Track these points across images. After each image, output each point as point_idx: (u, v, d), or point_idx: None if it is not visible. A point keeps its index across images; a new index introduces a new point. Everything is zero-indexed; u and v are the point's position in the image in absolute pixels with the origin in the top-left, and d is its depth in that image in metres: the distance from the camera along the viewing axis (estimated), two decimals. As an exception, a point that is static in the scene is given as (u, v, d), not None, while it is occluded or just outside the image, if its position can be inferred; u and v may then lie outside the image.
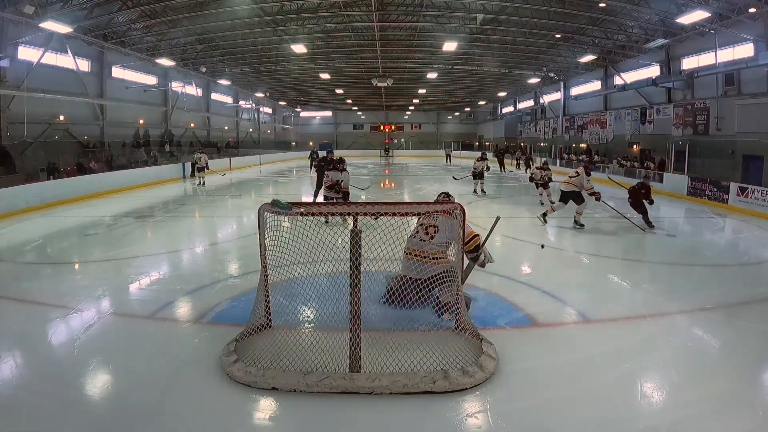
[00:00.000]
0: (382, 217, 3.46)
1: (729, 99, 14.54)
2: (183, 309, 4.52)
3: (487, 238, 4.29)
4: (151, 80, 21.11)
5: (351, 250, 3.17)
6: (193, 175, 18.26)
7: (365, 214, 3.39)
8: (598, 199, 8.20)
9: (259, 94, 31.50)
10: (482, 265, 4.36)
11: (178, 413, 2.80)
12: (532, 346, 3.68)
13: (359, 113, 43.75)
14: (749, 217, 10.28)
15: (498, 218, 4.51)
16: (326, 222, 7.44)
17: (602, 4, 13.99)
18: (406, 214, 3.71)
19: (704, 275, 5.97)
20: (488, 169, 13.61)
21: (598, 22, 15.97)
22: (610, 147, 21.68)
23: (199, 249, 7.43)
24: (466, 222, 3.87)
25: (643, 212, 8.50)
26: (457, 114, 44.47)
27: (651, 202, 8.63)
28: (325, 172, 8.94)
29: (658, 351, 3.62)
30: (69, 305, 4.51)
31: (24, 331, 3.96)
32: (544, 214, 8.73)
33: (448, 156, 32.16)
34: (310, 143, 39.69)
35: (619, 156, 19.90)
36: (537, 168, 12.25)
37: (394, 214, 3.51)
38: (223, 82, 25.60)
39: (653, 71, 18.08)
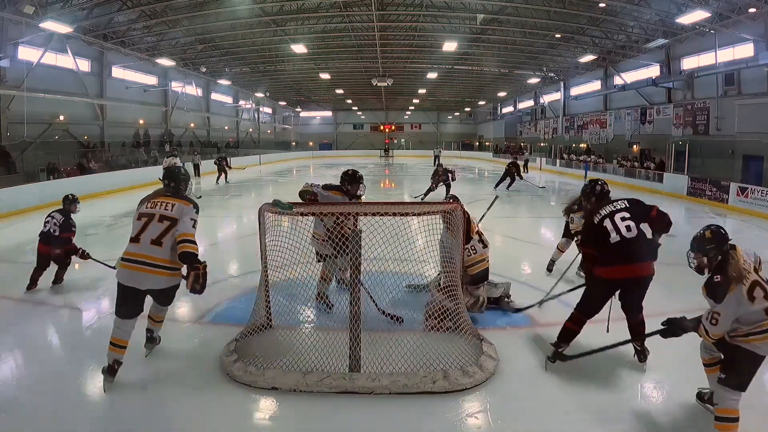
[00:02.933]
0: (381, 217, 3.44)
1: (729, 99, 14.54)
2: (183, 309, 4.52)
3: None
4: (151, 80, 21.10)
5: (351, 250, 3.17)
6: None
7: (365, 214, 3.39)
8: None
9: (259, 94, 31.49)
10: (481, 305, 4.20)
11: (178, 413, 2.80)
12: (532, 346, 3.68)
13: (359, 113, 43.72)
14: (749, 217, 10.28)
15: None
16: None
17: (602, 4, 13.98)
18: (407, 214, 3.71)
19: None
20: None
21: (598, 22, 15.96)
22: (610, 147, 21.69)
23: (199, 249, 7.40)
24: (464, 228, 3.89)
25: None
26: (457, 114, 44.45)
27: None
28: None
29: (658, 351, 3.62)
30: (69, 305, 4.51)
31: (24, 331, 3.96)
32: None
33: (436, 158, 28.36)
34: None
35: (619, 156, 19.91)
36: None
37: (394, 214, 3.51)
38: (223, 82, 25.59)
39: (653, 71, 18.07)
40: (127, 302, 3.03)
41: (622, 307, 3.26)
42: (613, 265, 3.11)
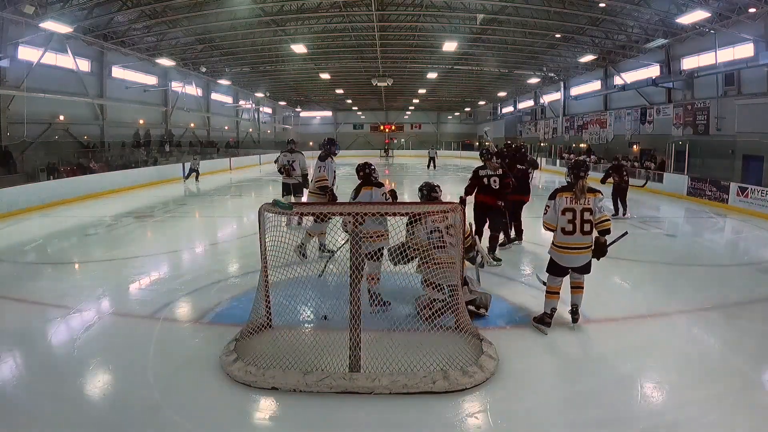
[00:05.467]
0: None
1: (729, 99, 14.53)
2: (183, 309, 4.52)
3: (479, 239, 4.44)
4: (151, 80, 21.10)
5: (351, 250, 3.18)
6: None
7: (366, 214, 3.39)
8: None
9: (259, 94, 31.48)
10: (481, 266, 4.44)
11: (178, 413, 2.80)
12: (532, 346, 3.68)
13: (359, 113, 43.72)
14: (749, 217, 10.28)
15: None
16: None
17: (602, 4, 13.98)
18: (407, 214, 3.71)
19: (704, 275, 5.96)
20: None
21: (598, 22, 15.96)
22: (610, 147, 21.67)
23: (199, 249, 7.43)
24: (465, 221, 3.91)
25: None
26: (457, 114, 44.46)
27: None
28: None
29: (658, 351, 3.62)
30: (69, 305, 4.51)
31: (24, 331, 3.96)
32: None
33: (431, 160, 25.66)
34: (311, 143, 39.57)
35: (619, 156, 19.87)
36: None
37: (394, 214, 3.51)
38: (223, 82, 25.58)
39: (653, 71, 18.06)
40: None
41: (488, 224, 5.97)
42: (486, 195, 5.92)
